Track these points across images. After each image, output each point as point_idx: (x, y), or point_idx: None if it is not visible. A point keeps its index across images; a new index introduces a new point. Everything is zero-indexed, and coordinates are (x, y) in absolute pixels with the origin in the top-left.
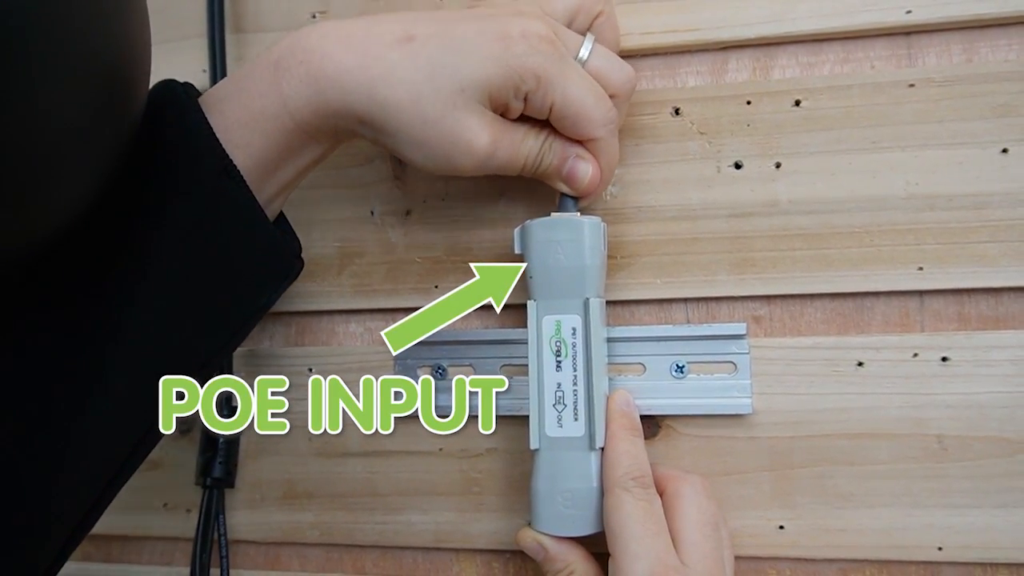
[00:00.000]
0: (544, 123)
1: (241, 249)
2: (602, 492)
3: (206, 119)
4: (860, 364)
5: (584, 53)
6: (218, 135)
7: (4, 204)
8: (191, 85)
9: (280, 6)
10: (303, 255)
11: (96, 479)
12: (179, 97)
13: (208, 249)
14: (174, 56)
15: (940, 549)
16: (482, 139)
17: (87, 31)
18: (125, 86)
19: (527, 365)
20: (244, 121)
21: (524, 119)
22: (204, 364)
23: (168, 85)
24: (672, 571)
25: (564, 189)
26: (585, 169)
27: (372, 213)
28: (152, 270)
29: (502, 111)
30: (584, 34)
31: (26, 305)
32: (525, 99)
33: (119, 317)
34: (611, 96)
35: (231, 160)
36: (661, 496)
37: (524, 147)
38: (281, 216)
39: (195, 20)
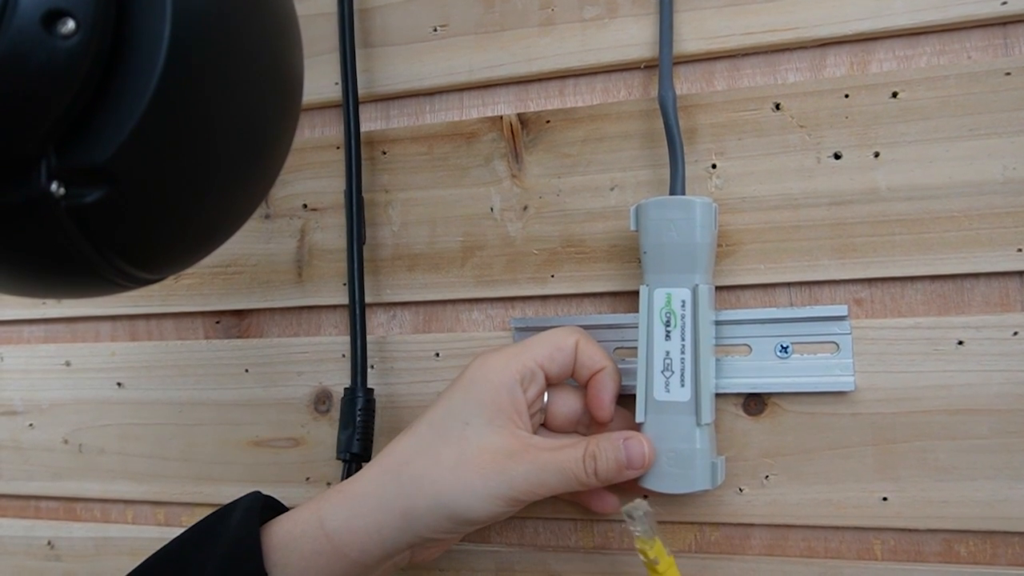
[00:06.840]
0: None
1: None
2: (703, 454)
3: (259, 532)
4: (960, 343)
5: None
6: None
7: None
8: (277, 501)
9: (404, 22)
10: (430, 249)
11: None
12: (254, 505)
13: None
14: (309, 71)
15: None
16: (509, 448)
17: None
18: (290, 96)
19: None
20: (286, 542)
21: None
22: None
23: (257, 496)
24: None
25: (630, 474)
26: (638, 447)
27: (492, 209)
28: None
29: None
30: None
31: None
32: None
33: None
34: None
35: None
36: None
37: (565, 455)
38: None
39: (327, 37)
